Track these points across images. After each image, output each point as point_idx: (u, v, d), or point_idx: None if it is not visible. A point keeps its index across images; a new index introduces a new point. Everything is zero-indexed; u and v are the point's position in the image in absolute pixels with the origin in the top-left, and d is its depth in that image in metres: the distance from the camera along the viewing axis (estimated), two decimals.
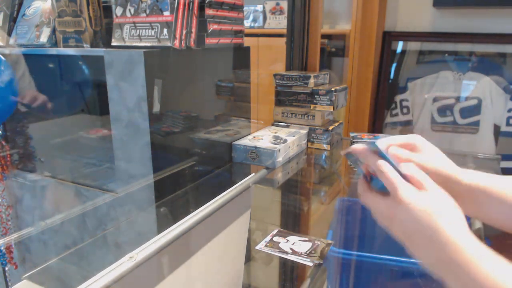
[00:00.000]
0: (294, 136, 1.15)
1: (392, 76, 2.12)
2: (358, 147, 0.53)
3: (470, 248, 0.42)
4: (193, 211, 0.61)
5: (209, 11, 0.94)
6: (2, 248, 1.19)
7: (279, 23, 2.34)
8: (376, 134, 1.15)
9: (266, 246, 0.80)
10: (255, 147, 1.05)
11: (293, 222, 1.20)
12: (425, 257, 0.47)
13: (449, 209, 0.46)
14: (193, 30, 0.91)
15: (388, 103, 2.12)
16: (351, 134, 1.14)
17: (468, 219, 0.56)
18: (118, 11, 0.91)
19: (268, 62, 2.09)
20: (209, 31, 0.95)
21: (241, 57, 1.14)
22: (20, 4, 1.11)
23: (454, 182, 0.54)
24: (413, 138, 0.58)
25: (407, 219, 0.47)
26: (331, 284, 1.20)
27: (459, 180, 0.54)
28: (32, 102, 1.14)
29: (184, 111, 0.95)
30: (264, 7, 2.36)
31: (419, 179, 0.47)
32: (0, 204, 1.21)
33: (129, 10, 0.90)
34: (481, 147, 1.94)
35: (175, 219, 0.59)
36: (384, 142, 0.56)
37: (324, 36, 2.12)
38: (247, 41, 1.13)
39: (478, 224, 0.88)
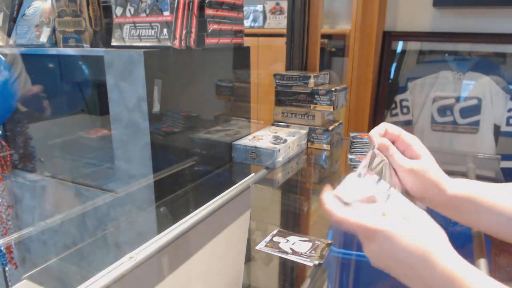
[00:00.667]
0: (294, 136, 1.15)
1: (392, 76, 2.12)
2: None
3: (461, 270, 0.41)
4: (193, 211, 0.61)
5: (209, 11, 0.94)
6: (2, 248, 1.19)
7: (279, 23, 2.34)
8: None
9: (266, 246, 0.80)
10: (255, 147, 1.05)
11: (293, 222, 1.20)
12: (413, 283, 0.45)
13: (434, 236, 0.44)
14: (193, 30, 0.91)
15: (388, 103, 2.12)
16: (351, 134, 1.14)
17: None
18: (118, 11, 0.91)
19: (268, 62, 2.09)
20: (209, 31, 0.95)
21: (241, 57, 1.14)
22: (20, 4, 1.11)
23: (440, 190, 0.55)
24: (413, 140, 0.58)
25: (388, 248, 0.44)
26: (331, 284, 1.20)
27: (445, 190, 0.55)
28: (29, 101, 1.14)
29: (184, 111, 0.95)
30: (264, 7, 2.36)
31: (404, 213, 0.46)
32: (0, 204, 1.21)
33: (129, 10, 0.90)
34: (481, 147, 1.94)
35: (175, 219, 0.59)
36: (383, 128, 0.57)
37: (324, 36, 2.11)
38: (247, 41, 1.13)
39: None
